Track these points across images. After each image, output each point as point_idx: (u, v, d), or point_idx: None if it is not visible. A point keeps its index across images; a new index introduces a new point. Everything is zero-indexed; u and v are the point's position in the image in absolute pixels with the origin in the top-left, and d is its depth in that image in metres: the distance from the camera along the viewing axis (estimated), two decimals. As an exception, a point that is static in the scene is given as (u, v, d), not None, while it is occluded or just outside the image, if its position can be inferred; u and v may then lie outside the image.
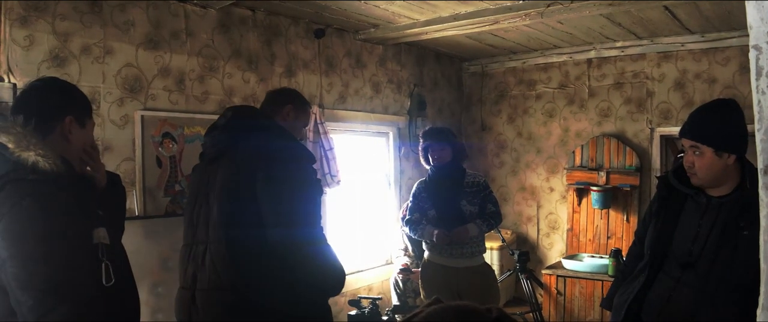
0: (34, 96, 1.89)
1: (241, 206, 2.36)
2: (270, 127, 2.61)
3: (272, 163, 2.38)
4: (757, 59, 1.09)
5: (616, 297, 2.68)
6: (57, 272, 1.58)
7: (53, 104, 1.86)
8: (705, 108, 2.44)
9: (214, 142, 2.59)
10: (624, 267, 2.83)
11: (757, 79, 1.10)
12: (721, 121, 2.33)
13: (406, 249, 5.56)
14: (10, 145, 1.69)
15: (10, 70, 3.25)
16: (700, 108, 2.46)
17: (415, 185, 4.27)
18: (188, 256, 2.51)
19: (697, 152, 2.32)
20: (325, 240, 2.45)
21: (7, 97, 3.21)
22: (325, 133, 4.88)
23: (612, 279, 5.18)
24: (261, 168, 2.35)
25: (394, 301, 5.28)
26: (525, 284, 5.53)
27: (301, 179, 2.43)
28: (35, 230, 1.59)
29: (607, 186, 5.84)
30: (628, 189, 5.76)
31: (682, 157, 2.47)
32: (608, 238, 5.93)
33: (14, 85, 3.24)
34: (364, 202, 5.86)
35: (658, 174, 5.37)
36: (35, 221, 1.60)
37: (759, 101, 1.11)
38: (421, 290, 4.25)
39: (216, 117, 4.14)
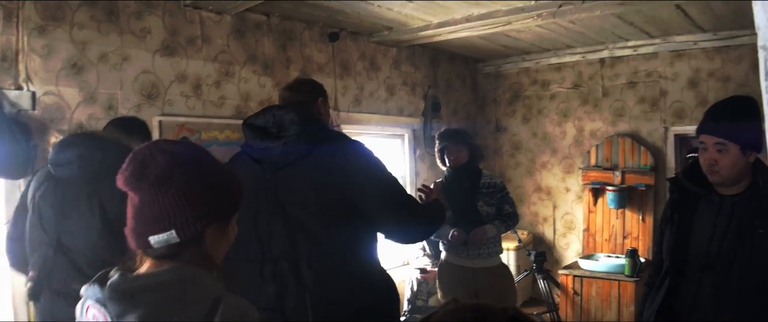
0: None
1: (334, 218, 2.25)
2: (334, 134, 2.46)
3: (360, 164, 2.32)
4: (766, 60, 1.09)
5: (645, 311, 2.58)
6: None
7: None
8: (728, 104, 2.34)
9: (285, 151, 2.30)
10: (649, 279, 2.69)
11: (765, 80, 1.10)
12: (746, 119, 2.21)
13: (424, 249, 5.57)
14: None
15: (29, 79, 3.30)
16: (723, 104, 2.36)
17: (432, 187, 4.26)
18: (259, 274, 2.28)
19: (723, 150, 2.23)
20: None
21: (27, 105, 3.26)
22: (341, 136, 4.87)
23: (628, 279, 5.19)
24: (354, 172, 2.26)
25: (405, 302, 5.28)
26: (542, 285, 5.53)
27: (386, 167, 2.41)
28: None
29: (622, 186, 5.83)
30: (644, 189, 5.74)
31: (693, 157, 2.40)
32: (624, 238, 5.91)
33: (33, 93, 3.29)
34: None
35: (672, 174, 5.32)
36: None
37: (768, 102, 1.11)
38: (438, 290, 4.25)
39: (232, 121, 4.25)
